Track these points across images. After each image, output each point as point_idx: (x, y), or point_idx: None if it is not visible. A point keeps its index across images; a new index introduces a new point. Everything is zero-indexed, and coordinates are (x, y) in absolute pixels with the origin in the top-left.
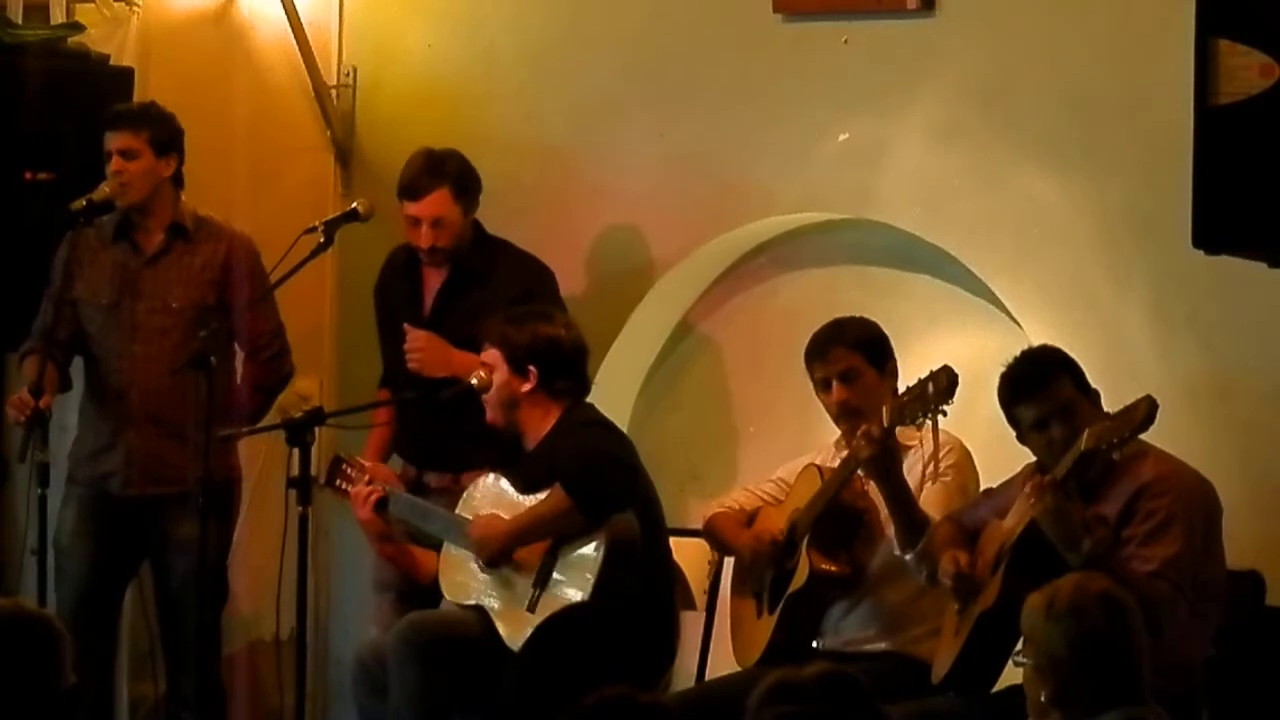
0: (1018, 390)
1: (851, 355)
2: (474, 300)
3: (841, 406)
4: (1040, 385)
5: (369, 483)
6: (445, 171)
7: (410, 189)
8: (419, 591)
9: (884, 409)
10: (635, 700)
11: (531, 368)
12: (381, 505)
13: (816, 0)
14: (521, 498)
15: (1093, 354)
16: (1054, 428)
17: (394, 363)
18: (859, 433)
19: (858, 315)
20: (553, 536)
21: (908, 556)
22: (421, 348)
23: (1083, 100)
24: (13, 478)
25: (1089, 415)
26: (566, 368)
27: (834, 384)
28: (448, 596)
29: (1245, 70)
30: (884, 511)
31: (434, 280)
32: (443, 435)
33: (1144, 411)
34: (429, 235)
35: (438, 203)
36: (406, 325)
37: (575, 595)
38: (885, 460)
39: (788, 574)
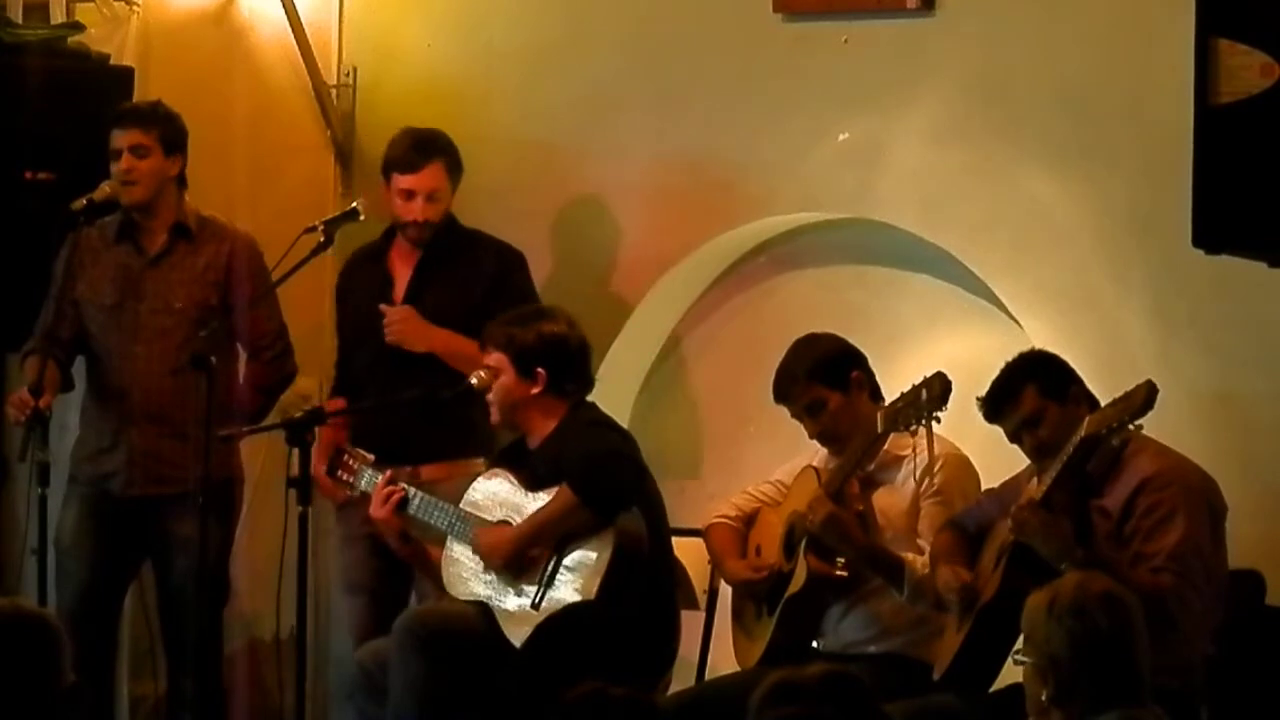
0: (987, 411)
1: (809, 389)
2: (449, 283)
3: (818, 439)
4: (1003, 403)
5: (390, 482)
6: (439, 147)
7: (406, 162)
8: (392, 593)
9: (829, 475)
10: (609, 694)
11: (540, 370)
12: (402, 505)
13: (816, 0)
14: (527, 495)
15: (1093, 354)
16: (1025, 439)
17: (351, 370)
18: (805, 506)
19: (810, 335)
20: (560, 536)
21: (903, 600)
22: (403, 318)
23: (1082, 100)
24: (13, 478)
25: (1062, 418)
26: (574, 368)
27: (804, 419)
28: (451, 592)
29: (1245, 70)
30: (882, 515)
31: (404, 268)
32: (402, 430)
33: (1143, 395)
34: (423, 208)
35: (434, 175)
36: (383, 306)
37: (581, 594)
38: (834, 527)
39: (786, 577)
